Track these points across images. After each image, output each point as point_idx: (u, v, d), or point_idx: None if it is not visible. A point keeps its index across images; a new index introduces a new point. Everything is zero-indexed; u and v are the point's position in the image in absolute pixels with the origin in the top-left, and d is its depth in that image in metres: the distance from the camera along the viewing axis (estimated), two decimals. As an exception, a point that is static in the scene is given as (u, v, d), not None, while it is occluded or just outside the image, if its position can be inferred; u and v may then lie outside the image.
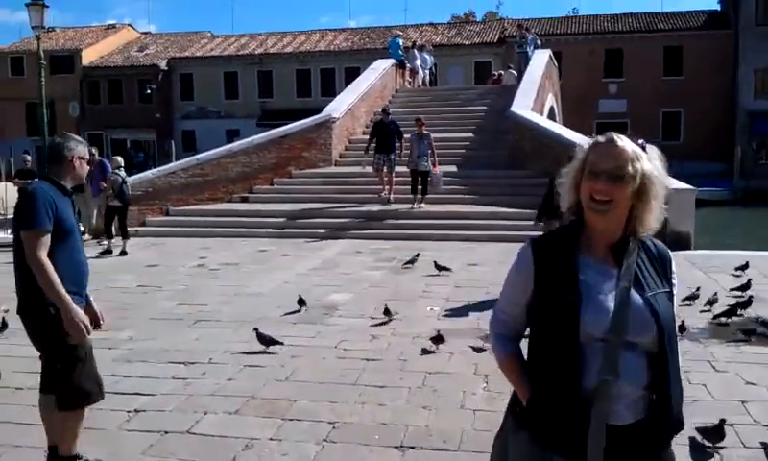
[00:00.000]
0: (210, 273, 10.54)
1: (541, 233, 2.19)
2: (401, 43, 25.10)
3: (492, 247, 12.30)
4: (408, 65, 25.00)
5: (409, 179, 14.74)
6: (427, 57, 26.82)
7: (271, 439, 4.40)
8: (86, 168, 3.98)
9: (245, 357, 6.10)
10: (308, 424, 4.62)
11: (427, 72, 26.81)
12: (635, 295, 1.97)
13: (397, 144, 15.10)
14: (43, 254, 3.55)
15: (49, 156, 3.94)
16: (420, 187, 14.60)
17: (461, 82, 39.17)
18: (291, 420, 4.70)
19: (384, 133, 15.12)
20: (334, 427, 4.58)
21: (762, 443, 4.24)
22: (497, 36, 44.28)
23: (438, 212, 14.47)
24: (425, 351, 6.15)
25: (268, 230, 14.21)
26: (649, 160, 2.02)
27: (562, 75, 33.59)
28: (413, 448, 4.28)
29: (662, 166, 2.05)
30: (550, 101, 24.05)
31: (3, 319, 6.71)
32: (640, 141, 2.06)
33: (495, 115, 19.52)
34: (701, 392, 5.13)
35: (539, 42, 25.72)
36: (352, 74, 28.62)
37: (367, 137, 19.57)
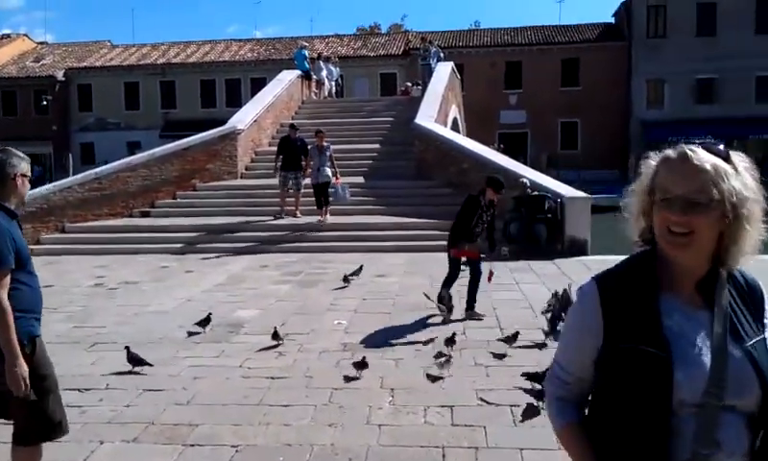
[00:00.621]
0: (109, 292, 10.14)
1: (606, 270, 1.72)
2: (307, 54, 25.02)
3: (399, 257, 12.40)
4: (314, 77, 24.98)
5: (313, 192, 14.61)
6: (333, 68, 26.86)
7: (170, 467, 4.26)
8: (28, 186, 3.66)
9: (144, 381, 5.89)
10: (210, 449, 4.49)
11: (333, 83, 26.85)
12: (731, 346, 1.57)
13: (303, 163, 14.74)
14: (4, 294, 3.29)
15: None
16: (323, 198, 14.45)
17: (367, 93, 39.46)
18: (192, 445, 4.56)
19: (291, 150, 14.85)
20: (237, 451, 4.47)
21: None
22: (402, 49, 44.85)
23: (344, 224, 14.44)
24: (348, 379, 5.82)
25: (170, 245, 13.82)
26: (737, 173, 1.58)
27: (465, 87, 34.35)
28: (318, 467, 4.23)
29: (754, 174, 1.62)
30: (454, 112, 24.51)
31: None
32: (721, 148, 1.63)
33: (401, 127, 19.71)
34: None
35: (442, 54, 26.21)
36: (258, 85, 28.35)
37: (274, 149, 19.53)
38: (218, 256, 13.04)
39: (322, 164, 14.27)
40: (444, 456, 4.33)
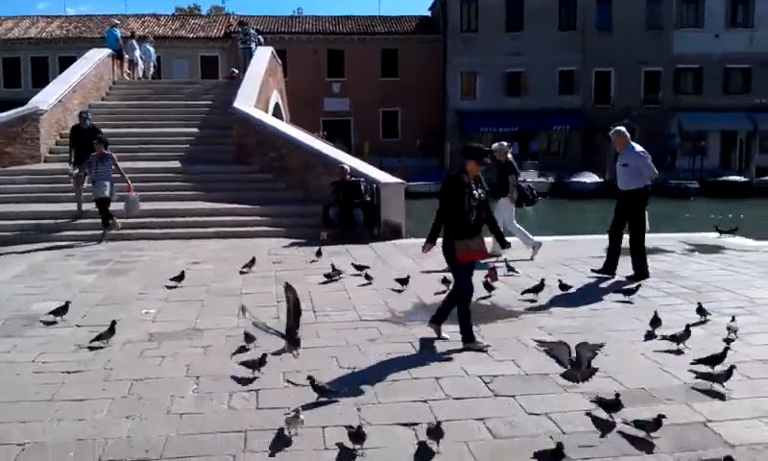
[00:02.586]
0: None
1: None
2: (119, 33, 23.73)
3: (216, 244, 12.14)
4: (126, 56, 23.74)
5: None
6: (150, 48, 25.69)
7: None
8: None
9: None
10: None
11: (151, 64, 25.68)
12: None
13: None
14: None
15: None
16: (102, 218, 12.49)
17: (186, 75, 38.21)
18: (-30, 447, 4.19)
19: (83, 141, 13.30)
20: (23, 449, 4.17)
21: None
22: (223, 31, 43.81)
23: (159, 210, 13.87)
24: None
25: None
26: None
27: (287, 73, 34.20)
28: (111, 461, 4.04)
29: None
30: (275, 97, 24.30)
31: None
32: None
33: (221, 110, 19.24)
34: (402, 373, 5.50)
35: (261, 39, 25.84)
36: (67, 64, 26.50)
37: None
38: (17, 246, 12.05)
39: (102, 177, 12.39)
40: (245, 440, 4.29)
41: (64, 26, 44.54)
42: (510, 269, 9.31)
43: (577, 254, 10.83)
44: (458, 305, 6.21)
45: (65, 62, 28.67)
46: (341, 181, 13.07)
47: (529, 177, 38.14)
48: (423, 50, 44.07)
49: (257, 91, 18.90)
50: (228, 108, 17.59)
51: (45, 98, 17.66)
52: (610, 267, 9.20)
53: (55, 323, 7.03)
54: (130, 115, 19.97)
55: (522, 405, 4.78)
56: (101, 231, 12.48)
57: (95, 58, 21.08)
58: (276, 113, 23.40)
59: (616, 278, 9.02)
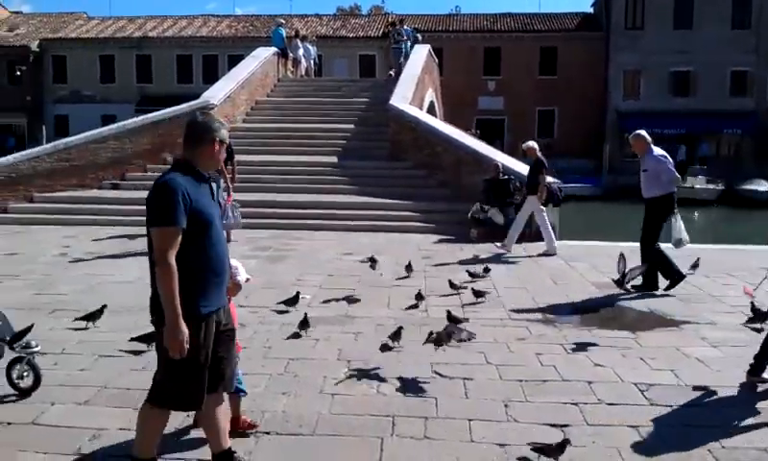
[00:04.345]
0: (74, 261, 10.06)
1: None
2: (284, 33, 24.83)
3: (370, 237, 12.43)
4: (291, 55, 24.81)
5: None
6: (310, 47, 26.69)
7: (120, 429, 4.26)
8: (224, 154, 3.58)
9: (101, 347, 5.87)
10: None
11: (312, 62, 26.68)
12: None
13: (229, 166, 11.55)
14: (172, 256, 3.23)
15: (186, 135, 3.53)
16: None
17: (346, 74, 39.27)
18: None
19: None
20: (188, 415, 4.48)
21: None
22: (382, 31, 44.65)
23: (316, 202, 14.42)
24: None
25: (139, 217, 13.63)
26: None
27: (443, 72, 34.32)
28: (268, 433, 4.25)
29: None
30: (430, 96, 24.48)
31: None
32: None
33: (377, 108, 19.65)
34: (551, 372, 5.40)
35: (419, 37, 26.10)
36: (236, 62, 28.00)
37: (249, 126, 19.37)
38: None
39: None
40: (393, 425, 4.37)
41: (233, 25, 47.19)
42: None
43: (745, 264, 10.12)
44: None
45: (234, 60, 30.47)
46: (493, 178, 12.98)
47: (697, 183, 36.31)
48: (584, 48, 42.74)
49: (413, 89, 19.11)
50: (384, 105, 17.93)
51: (215, 93, 18.78)
52: (650, 283, 8.31)
53: None
54: (293, 111, 20.83)
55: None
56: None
57: (262, 56, 22.18)
58: (431, 111, 23.56)
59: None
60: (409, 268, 9.19)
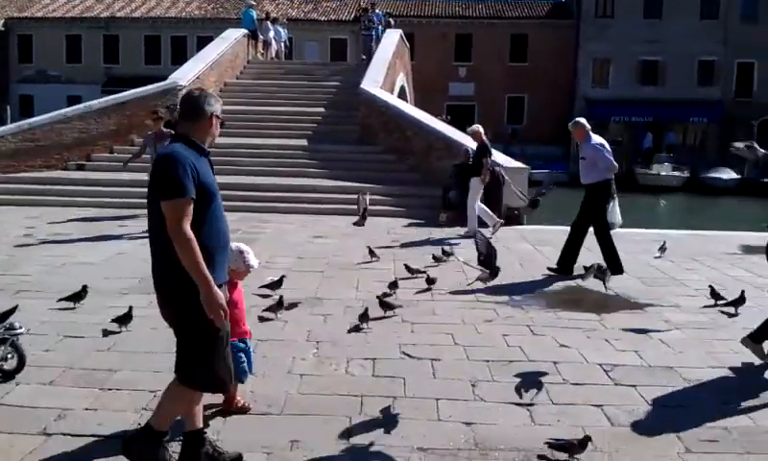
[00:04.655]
0: (38, 243, 9.90)
1: None
2: (255, 14, 24.58)
3: (339, 220, 12.41)
4: (261, 37, 24.59)
5: None
6: (281, 30, 26.46)
7: (86, 409, 4.22)
8: (219, 130, 3.55)
9: (66, 328, 5.80)
10: (127, 394, 4.48)
11: (282, 45, 26.46)
12: None
13: None
14: (187, 226, 3.18)
15: (182, 111, 3.49)
16: None
17: (317, 57, 39.01)
18: (110, 390, 4.54)
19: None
20: (155, 396, 4.44)
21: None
22: (353, 15, 44.41)
23: (284, 185, 14.35)
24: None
25: (106, 199, 13.52)
26: None
27: (414, 56, 34.27)
28: (236, 413, 4.25)
29: None
30: (401, 80, 24.46)
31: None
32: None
33: (347, 92, 19.58)
34: (517, 353, 5.46)
35: (391, 21, 26.04)
36: (205, 43, 27.68)
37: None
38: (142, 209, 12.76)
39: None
40: (361, 405, 4.39)
41: (203, 6, 46.58)
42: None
43: (708, 249, 10.32)
44: None
45: (202, 41, 30.08)
46: (463, 163, 13.02)
47: (663, 170, 36.88)
48: (554, 35, 42.99)
49: (384, 73, 19.07)
50: (354, 89, 17.87)
51: (184, 74, 18.53)
52: (566, 266, 8.49)
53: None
54: (262, 94, 20.67)
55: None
56: None
57: (231, 37, 21.94)
58: (402, 96, 23.55)
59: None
60: (372, 253, 9.09)
